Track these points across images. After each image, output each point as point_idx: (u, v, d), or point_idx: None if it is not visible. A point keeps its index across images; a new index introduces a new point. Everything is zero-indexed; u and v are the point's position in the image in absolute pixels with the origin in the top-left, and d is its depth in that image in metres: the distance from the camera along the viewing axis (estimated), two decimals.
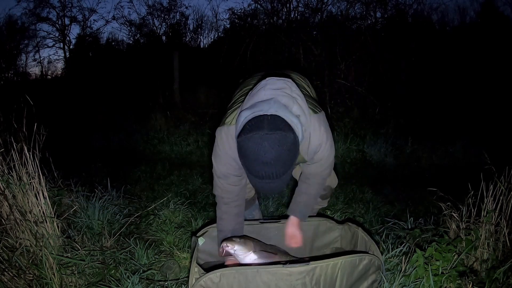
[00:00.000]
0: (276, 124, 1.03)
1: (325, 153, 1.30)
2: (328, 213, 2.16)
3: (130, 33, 9.36)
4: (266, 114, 1.04)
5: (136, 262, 1.58)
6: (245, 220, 1.52)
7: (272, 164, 1.02)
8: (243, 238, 1.35)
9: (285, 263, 1.16)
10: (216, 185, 1.38)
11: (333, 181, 1.71)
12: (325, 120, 1.29)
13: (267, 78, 1.17)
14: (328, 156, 1.33)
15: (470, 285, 1.24)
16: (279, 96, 1.10)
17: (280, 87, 1.14)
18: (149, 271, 1.52)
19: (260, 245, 1.39)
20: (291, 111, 1.09)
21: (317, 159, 1.32)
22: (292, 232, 1.47)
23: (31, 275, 1.37)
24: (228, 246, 1.29)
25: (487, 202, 1.47)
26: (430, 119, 4.40)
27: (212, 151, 1.34)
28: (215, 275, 1.12)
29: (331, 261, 1.15)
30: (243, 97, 1.32)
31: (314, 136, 1.24)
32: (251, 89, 1.22)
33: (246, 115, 1.07)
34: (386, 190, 2.75)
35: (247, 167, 1.08)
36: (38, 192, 1.51)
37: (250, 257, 1.31)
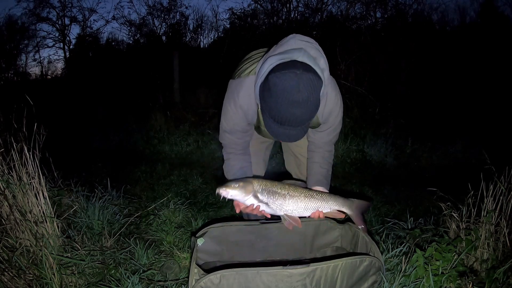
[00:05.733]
0: (309, 68, 1.02)
1: (338, 119, 1.31)
2: None
3: (130, 33, 9.36)
4: (297, 60, 1.03)
5: (136, 262, 1.58)
6: (246, 220, 1.52)
7: (300, 105, 1.01)
8: (242, 181, 1.21)
9: (285, 264, 1.16)
10: (222, 137, 1.39)
11: None
12: (337, 85, 1.29)
13: (293, 34, 1.16)
14: (338, 123, 1.33)
15: (470, 285, 1.24)
16: (308, 48, 1.09)
17: (309, 40, 1.13)
18: (149, 271, 1.52)
19: (265, 185, 1.22)
20: (318, 64, 1.08)
21: (330, 124, 1.31)
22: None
23: (31, 275, 1.37)
24: (222, 192, 1.16)
25: (487, 202, 1.47)
26: (430, 119, 4.39)
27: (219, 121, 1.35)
28: (215, 276, 1.11)
29: (331, 263, 1.15)
30: (259, 54, 1.32)
31: (331, 96, 1.24)
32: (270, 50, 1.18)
33: (273, 61, 1.05)
34: (386, 190, 2.75)
35: (271, 108, 1.04)
36: (38, 192, 1.50)
37: (250, 201, 1.19)
